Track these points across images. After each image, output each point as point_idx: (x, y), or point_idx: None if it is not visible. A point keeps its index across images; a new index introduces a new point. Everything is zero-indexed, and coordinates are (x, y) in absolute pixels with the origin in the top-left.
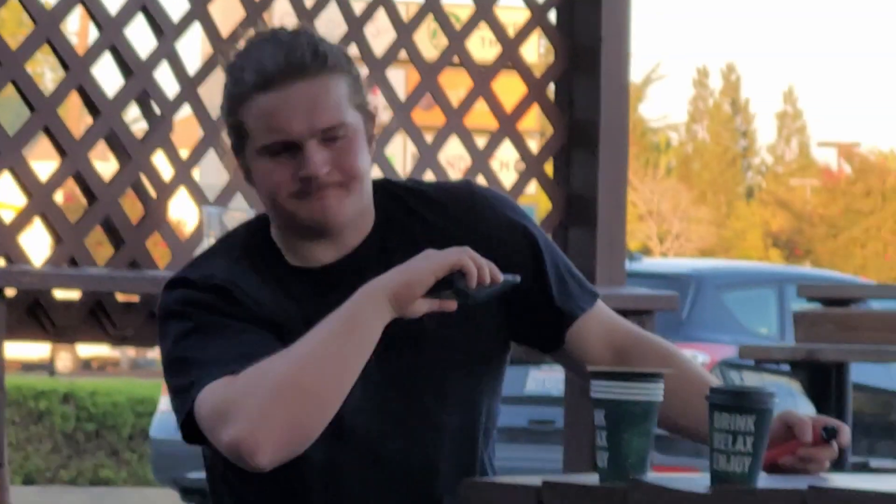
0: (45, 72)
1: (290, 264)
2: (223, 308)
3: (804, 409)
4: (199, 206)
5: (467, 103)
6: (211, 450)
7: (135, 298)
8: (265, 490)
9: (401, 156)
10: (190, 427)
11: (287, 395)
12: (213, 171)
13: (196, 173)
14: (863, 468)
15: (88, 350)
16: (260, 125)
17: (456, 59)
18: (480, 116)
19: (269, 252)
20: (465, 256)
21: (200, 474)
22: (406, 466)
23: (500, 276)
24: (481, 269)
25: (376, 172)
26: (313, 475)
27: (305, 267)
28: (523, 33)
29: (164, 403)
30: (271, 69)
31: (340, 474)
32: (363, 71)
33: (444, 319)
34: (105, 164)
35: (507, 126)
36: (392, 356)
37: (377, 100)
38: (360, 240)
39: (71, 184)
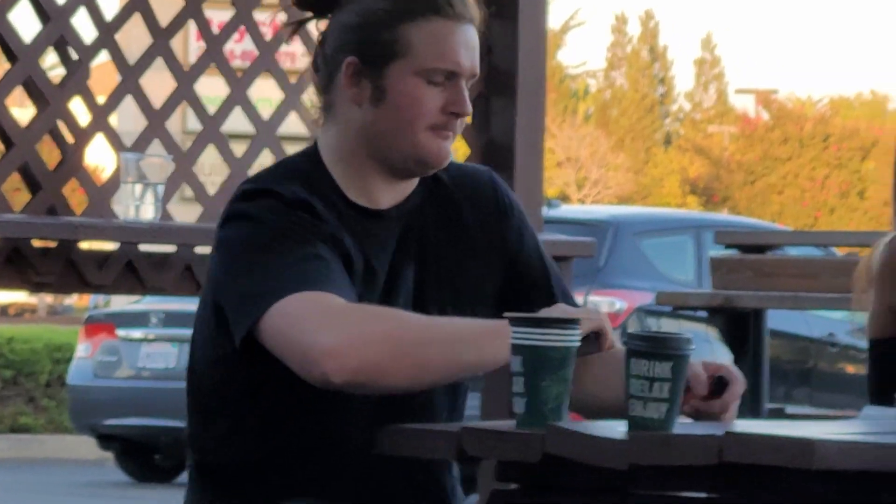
0: None
1: (349, 199)
2: (308, 222)
3: (721, 355)
4: (116, 152)
5: None
6: (256, 369)
7: (52, 244)
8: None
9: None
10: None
11: (401, 347)
12: (130, 118)
13: (113, 119)
14: (779, 414)
15: (5, 296)
16: (430, 48)
17: None
18: None
19: (328, 184)
20: (607, 324)
21: (118, 421)
22: (411, 403)
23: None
24: (611, 335)
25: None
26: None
27: (362, 205)
28: None
29: (82, 350)
30: (457, 3)
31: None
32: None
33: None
34: (22, 111)
35: None
36: None
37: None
38: (409, 191)
39: None
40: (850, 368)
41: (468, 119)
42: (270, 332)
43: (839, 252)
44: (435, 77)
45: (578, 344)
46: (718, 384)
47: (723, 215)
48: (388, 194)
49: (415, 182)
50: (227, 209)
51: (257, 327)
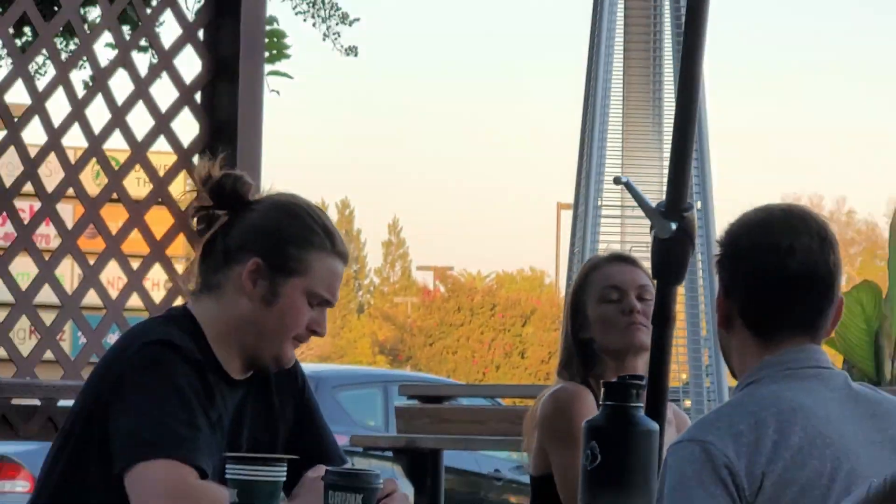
0: None
1: (221, 367)
2: (197, 386)
3: (406, 488)
4: None
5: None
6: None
7: None
8: None
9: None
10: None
11: None
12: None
13: None
14: None
15: None
16: (324, 277)
17: (115, 195)
18: (136, 244)
19: (207, 351)
20: (398, 486)
21: None
22: None
23: None
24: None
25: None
26: None
27: (227, 373)
28: (172, 172)
29: None
30: (344, 245)
31: None
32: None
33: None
34: None
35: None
36: None
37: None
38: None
39: None
40: (513, 499)
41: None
42: (132, 482)
43: (504, 402)
44: (314, 300)
45: (284, 478)
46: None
47: (406, 372)
48: (239, 370)
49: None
50: (135, 347)
51: (127, 470)
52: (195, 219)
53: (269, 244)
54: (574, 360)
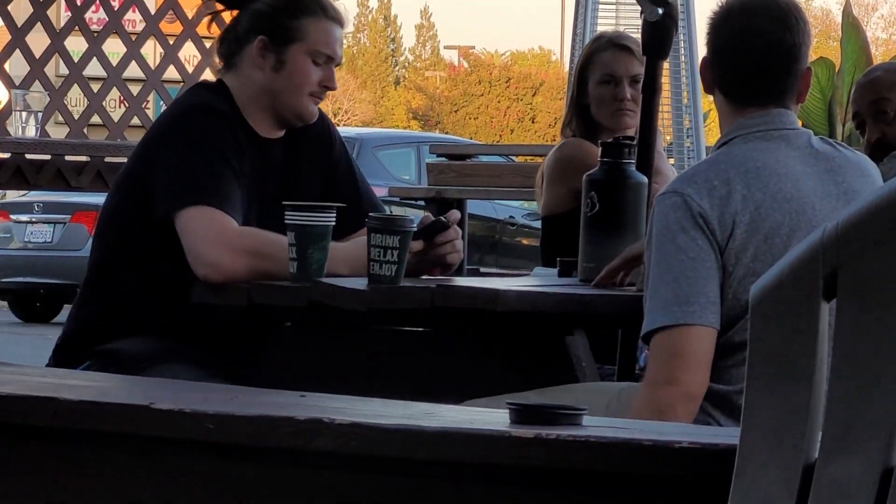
0: None
1: (250, 127)
2: (229, 139)
3: None
4: (8, 89)
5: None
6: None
7: None
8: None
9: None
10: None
11: (255, 268)
12: (19, 65)
13: (6, 66)
14: (476, 273)
15: None
16: (320, 37)
17: None
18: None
19: (237, 113)
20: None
21: (10, 279)
22: None
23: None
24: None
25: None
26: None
27: (257, 133)
28: None
29: None
30: (334, 6)
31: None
32: None
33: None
34: None
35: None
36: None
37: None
38: (282, 132)
39: None
40: (524, 241)
41: None
42: (181, 226)
43: (517, 159)
44: (319, 59)
45: (333, 223)
46: (429, 228)
47: (436, 134)
48: (276, 130)
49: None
50: (178, 111)
51: (173, 215)
52: (211, 19)
53: (269, 21)
54: (576, 119)
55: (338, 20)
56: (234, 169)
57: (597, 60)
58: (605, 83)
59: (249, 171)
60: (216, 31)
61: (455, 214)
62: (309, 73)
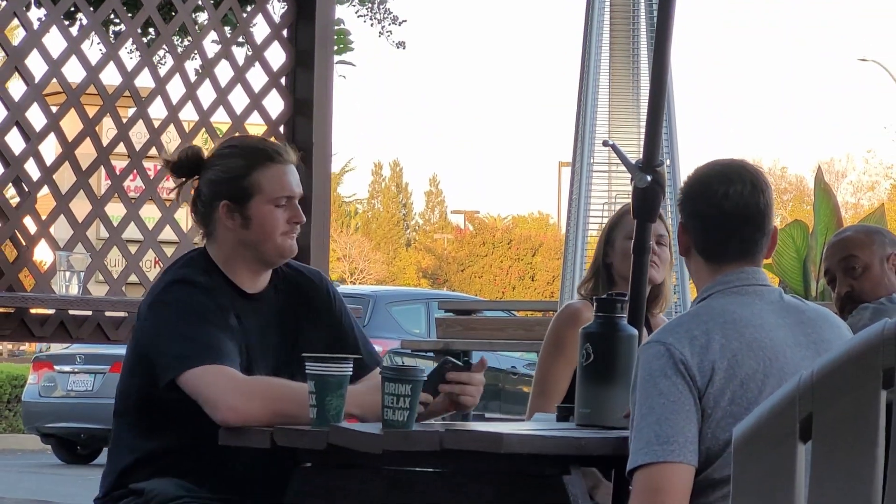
0: None
1: (234, 284)
2: (214, 306)
3: None
4: (53, 251)
5: None
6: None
7: (11, 310)
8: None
9: (184, 219)
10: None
11: (273, 410)
12: (63, 228)
13: (52, 229)
14: (481, 418)
15: None
16: (274, 185)
17: None
18: None
19: (220, 275)
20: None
21: (54, 424)
22: None
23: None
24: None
25: None
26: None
27: (242, 289)
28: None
29: (31, 378)
30: (276, 149)
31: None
32: None
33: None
34: None
35: None
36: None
37: None
38: (267, 281)
39: None
40: (525, 389)
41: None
42: (190, 387)
43: (518, 314)
44: (280, 202)
45: (350, 373)
46: (431, 377)
47: (444, 291)
48: (255, 282)
49: (268, 275)
50: (159, 288)
51: (178, 380)
52: (177, 192)
53: (225, 186)
54: (595, 277)
55: (286, 160)
56: (220, 327)
57: (626, 221)
58: (631, 239)
59: (246, 326)
60: None
61: (483, 361)
62: (275, 218)
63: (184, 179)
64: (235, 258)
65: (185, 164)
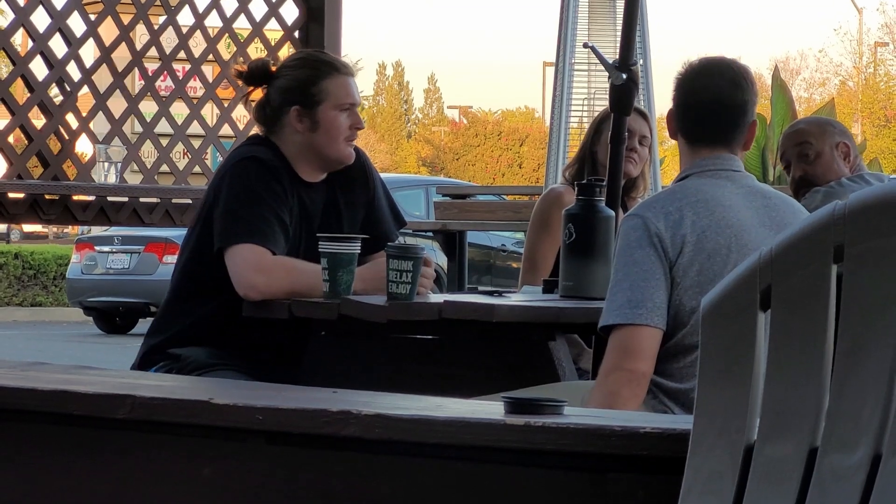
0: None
1: (300, 176)
2: (276, 188)
3: (441, 259)
4: (93, 144)
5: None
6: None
7: (56, 197)
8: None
9: (210, 115)
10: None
11: (290, 289)
12: (101, 123)
13: (91, 125)
14: (475, 290)
15: (28, 227)
16: (341, 92)
17: (241, 59)
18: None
19: (284, 163)
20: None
21: (95, 298)
22: None
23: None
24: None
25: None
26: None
27: (303, 179)
28: (280, 42)
29: (74, 258)
30: (341, 62)
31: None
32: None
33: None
34: (37, 121)
35: None
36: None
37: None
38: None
39: (17, 132)
40: (514, 264)
41: None
42: (228, 259)
43: (507, 198)
44: (345, 107)
45: (358, 251)
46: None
47: (441, 178)
48: (317, 175)
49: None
50: (234, 159)
51: (225, 248)
52: (248, 100)
53: (296, 93)
54: (581, 162)
55: (349, 73)
56: (275, 209)
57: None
58: None
59: (297, 211)
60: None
61: (428, 259)
62: (340, 123)
63: (252, 88)
64: (299, 156)
65: (256, 74)
